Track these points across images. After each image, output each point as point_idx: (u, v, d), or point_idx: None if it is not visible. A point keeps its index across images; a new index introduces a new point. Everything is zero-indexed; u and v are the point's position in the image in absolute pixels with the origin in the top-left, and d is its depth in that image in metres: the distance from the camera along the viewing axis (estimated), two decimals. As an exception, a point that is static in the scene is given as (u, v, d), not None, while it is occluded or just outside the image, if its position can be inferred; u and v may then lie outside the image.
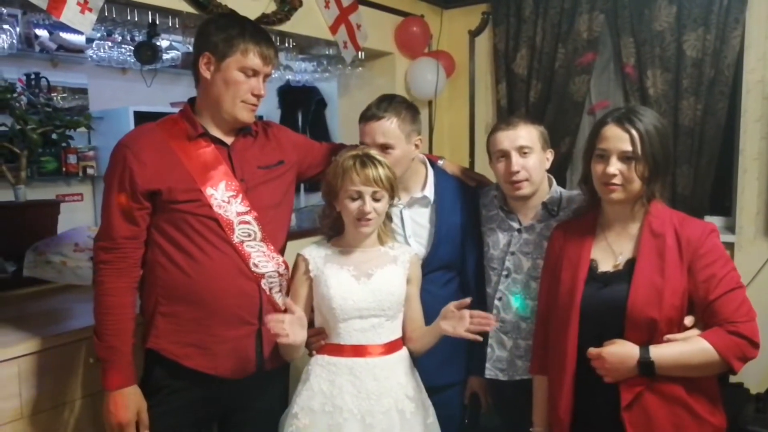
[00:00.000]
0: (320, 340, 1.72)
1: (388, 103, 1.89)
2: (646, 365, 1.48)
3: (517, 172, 1.84)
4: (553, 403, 1.64)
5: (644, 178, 1.52)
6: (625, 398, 1.51)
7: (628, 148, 1.52)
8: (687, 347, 1.49)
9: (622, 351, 1.50)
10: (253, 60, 1.65)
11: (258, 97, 1.68)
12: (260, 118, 1.92)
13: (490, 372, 1.96)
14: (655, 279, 1.52)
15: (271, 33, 2.90)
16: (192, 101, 1.75)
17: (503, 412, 2.08)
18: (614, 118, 1.57)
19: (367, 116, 1.88)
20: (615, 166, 1.53)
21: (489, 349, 1.96)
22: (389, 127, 1.85)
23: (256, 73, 1.66)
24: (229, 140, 1.73)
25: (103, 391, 1.63)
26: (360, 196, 1.67)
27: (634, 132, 1.52)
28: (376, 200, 1.68)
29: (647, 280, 1.52)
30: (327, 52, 3.49)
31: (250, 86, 1.66)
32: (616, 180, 1.54)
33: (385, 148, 1.84)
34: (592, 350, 1.53)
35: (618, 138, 1.54)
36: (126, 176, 1.60)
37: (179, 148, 1.65)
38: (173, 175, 1.62)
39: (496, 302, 1.95)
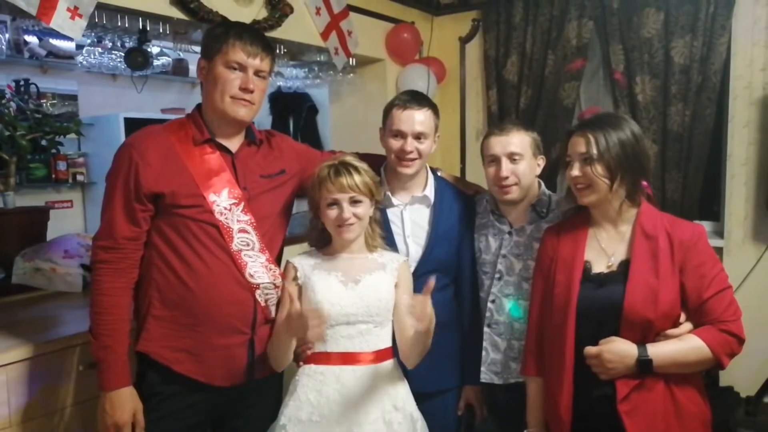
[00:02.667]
0: (306, 350, 1.71)
1: (422, 96, 1.97)
2: (644, 363, 1.53)
3: (506, 177, 1.88)
4: (553, 403, 1.65)
5: (605, 177, 1.59)
6: (621, 391, 1.55)
7: (583, 149, 1.61)
8: (682, 345, 1.55)
9: (620, 349, 1.54)
10: (236, 53, 1.64)
11: (247, 91, 1.66)
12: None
13: (485, 376, 1.97)
14: (650, 280, 1.56)
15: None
16: (200, 106, 1.75)
17: (498, 417, 2.08)
18: (576, 127, 1.70)
19: (406, 105, 1.90)
20: (576, 169, 1.63)
21: (484, 353, 1.97)
22: (427, 117, 1.91)
23: (242, 67, 1.65)
24: (234, 147, 1.73)
25: (99, 393, 1.62)
26: (337, 203, 1.67)
27: (589, 135, 1.61)
28: (355, 205, 1.67)
29: (642, 281, 1.56)
30: (318, 59, 3.49)
31: (237, 81, 1.65)
32: (581, 181, 1.63)
33: (419, 137, 1.89)
34: (590, 349, 1.56)
35: (576, 143, 1.64)
36: (131, 176, 1.58)
37: (184, 153, 1.65)
38: (177, 180, 1.62)
39: (489, 305, 1.96)
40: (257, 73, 1.68)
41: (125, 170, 1.59)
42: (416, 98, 1.94)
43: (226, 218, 1.64)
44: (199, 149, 1.67)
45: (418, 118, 1.89)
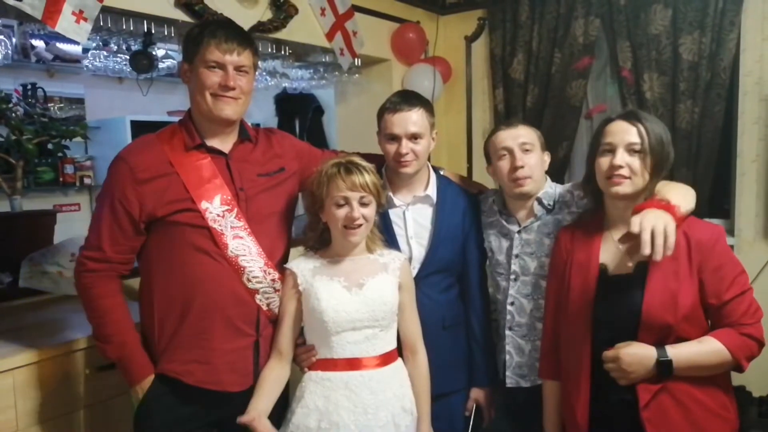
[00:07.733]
0: (311, 357, 1.70)
1: (412, 95, 1.95)
2: (664, 364, 1.48)
3: (522, 167, 1.85)
4: (570, 407, 1.62)
5: (650, 172, 1.54)
6: (643, 398, 1.50)
7: (636, 139, 1.54)
8: (702, 347, 1.51)
9: (639, 352, 1.50)
10: (212, 52, 1.62)
11: (227, 88, 1.64)
12: (257, 126, 1.91)
13: (511, 380, 1.93)
14: (669, 283, 1.52)
15: (267, 41, 2.92)
16: (191, 111, 1.74)
17: (515, 418, 2.05)
18: (620, 115, 1.61)
19: (396, 107, 1.89)
20: (622, 158, 1.54)
21: (507, 357, 1.93)
22: (419, 117, 1.89)
23: (220, 65, 1.64)
24: (226, 148, 1.71)
25: (128, 388, 1.63)
26: (347, 202, 1.64)
27: (640, 126, 1.54)
28: (364, 206, 1.65)
29: (662, 284, 1.52)
30: (323, 60, 3.49)
31: (216, 79, 1.63)
32: (623, 172, 1.54)
33: (415, 137, 1.87)
34: (608, 352, 1.52)
35: (625, 131, 1.55)
36: (122, 203, 1.59)
37: (176, 161, 1.64)
38: (169, 191, 1.61)
39: (509, 307, 1.92)
40: (238, 68, 1.66)
41: (118, 191, 1.59)
42: (406, 99, 1.91)
43: (219, 225, 1.63)
44: (192, 155, 1.66)
45: (410, 119, 1.87)
